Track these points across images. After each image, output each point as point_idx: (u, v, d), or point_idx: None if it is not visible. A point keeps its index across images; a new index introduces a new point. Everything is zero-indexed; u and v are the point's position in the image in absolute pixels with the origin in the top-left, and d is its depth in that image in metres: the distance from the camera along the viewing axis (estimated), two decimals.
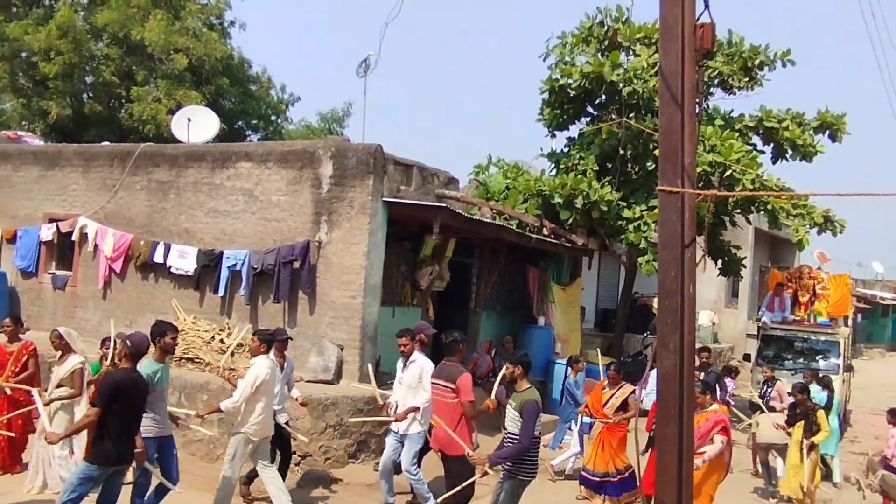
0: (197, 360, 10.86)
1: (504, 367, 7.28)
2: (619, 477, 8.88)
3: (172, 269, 12.04)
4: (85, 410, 7.48)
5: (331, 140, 11.54)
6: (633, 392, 9.12)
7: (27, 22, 20.37)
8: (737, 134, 14.45)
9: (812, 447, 9.51)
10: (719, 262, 16.26)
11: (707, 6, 4.71)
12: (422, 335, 8.65)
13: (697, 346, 13.71)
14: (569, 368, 12.27)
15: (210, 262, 11.70)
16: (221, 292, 11.65)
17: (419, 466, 8.23)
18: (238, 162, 11.75)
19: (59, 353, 8.18)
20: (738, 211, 15.09)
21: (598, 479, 8.96)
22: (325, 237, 10.95)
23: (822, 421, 9.66)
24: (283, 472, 8.32)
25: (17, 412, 8.47)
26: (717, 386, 11.19)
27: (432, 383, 7.85)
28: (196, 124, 13.96)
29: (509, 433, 6.69)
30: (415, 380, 8.10)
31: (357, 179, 10.75)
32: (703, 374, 11.28)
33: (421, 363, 8.17)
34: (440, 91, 70.64)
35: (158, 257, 12.13)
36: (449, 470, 7.76)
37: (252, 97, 23.02)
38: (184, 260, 11.94)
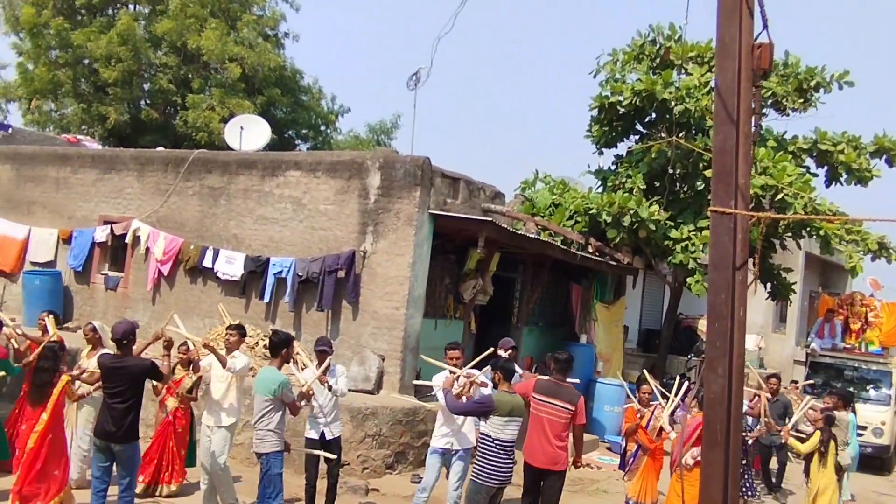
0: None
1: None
2: None
3: (220, 274, 12.23)
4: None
5: (379, 151, 11.66)
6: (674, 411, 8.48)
7: (91, 29, 21.01)
8: (790, 156, 14.17)
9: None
10: (768, 285, 15.95)
11: (766, 26, 4.65)
12: (511, 351, 9.30)
13: (767, 373, 13.38)
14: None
15: (257, 269, 11.86)
16: (267, 298, 11.79)
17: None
18: (288, 170, 11.91)
19: (90, 346, 8.26)
20: (790, 234, 14.78)
21: None
22: (371, 247, 11.02)
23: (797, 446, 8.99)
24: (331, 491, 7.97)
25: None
26: (785, 414, 10.94)
27: (543, 401, 7.35)
28: (248, 132, 14.22)
29: (483, 434, 6.96)
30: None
31: (404, 191, 10.81)
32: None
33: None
34: (488, 105, 70.75)
35: (207, 262, 12.33)
36: (545, 486, 7.40)
37: (303, 107, 23.38)
38: (231, 265, 12.13)
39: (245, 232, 12.26)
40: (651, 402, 8.76)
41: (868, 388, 15.25)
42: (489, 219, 11.00)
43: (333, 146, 24.63)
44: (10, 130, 19.68)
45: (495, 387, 7.24)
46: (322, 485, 7.82)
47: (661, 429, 8.31)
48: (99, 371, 6.82)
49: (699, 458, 6.86)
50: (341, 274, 11.07)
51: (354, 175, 11.23)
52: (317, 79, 25.28)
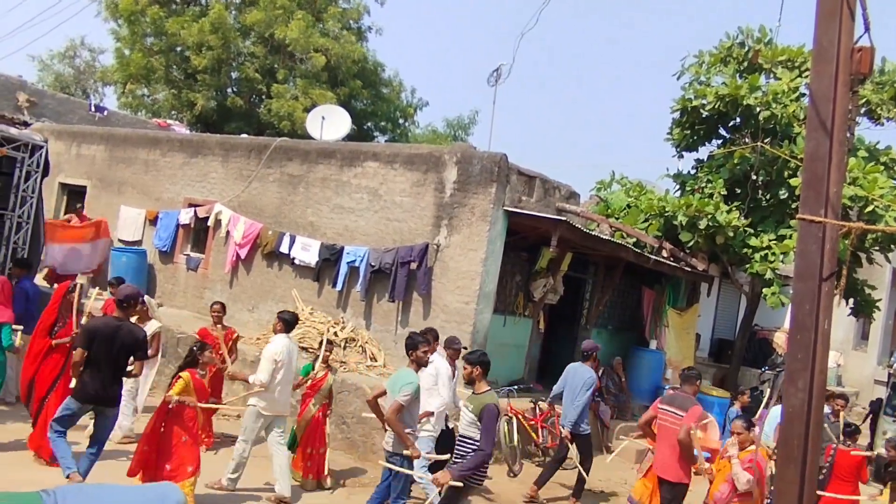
0: (311, 350, 11.22)
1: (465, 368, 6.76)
2: None
3: (295, 260, 12.51)
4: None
5: (457, 146, 11.68)
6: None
7: (184, 18, 21.77)
8: (882, 167, 13.59)
9: None
10: (851, 300, 15.34)
11: (867, 29, 4.48)
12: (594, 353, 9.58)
13: (835, 391, 12.83)
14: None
15: (331, 257, 12.07)
16: (339, 286, 11.99)
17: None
18: (366, 161, 12.07)
19: (137, 318, 8.09)
20: (878, 248, 14.18)
21: None
22: (444, 241, 11.08)
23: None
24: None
25: None
26: (841, 436, 10.48)
27: (661, 409, 7.61)
28: (329, 122, 14.49)
29: (463, 437, 6.38)
30: (430, 382, 7.85)
31: (480, 187, 10.83)
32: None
33: (437, 365, 7.91)
34: (567, 104, 70.14)
35: (284, 248, 12.63)
36: (662, 497, 7.53)
37: (383, 99, 23.69)
38: (306, 252, 12.38)
39: (321, 220, 12.49)
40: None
41: None
42: (563, 218, 10.91)
43: (411, 139, 24.88)
44: (105, 113, 20.62)
45: (470, 384, 6.60)
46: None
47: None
48: (84, 334, 6.73)
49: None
50: (414, 266, 11.15)
51: (431, 168, 11.31)
52: (397, 72, 25.60)
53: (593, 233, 12.17)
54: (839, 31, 4.42)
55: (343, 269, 11.95)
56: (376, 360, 11.14)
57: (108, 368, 6.67)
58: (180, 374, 7.08)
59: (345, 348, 11.32)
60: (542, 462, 10.77)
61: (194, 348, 7.31)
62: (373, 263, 11.60)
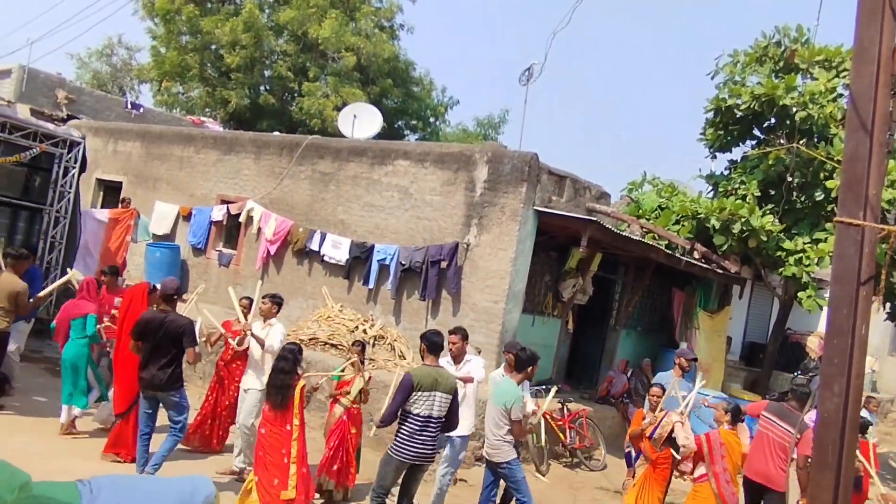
0: (340, 347, 11.30)
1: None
2: None
3: (325, 258, 12.59)
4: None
5: (488, 145, 11.67)
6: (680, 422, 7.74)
7: (218, 17, 22.02)
8: None
9: None
10: (888, 305, 15.05)
11: None
12: (682, 360, 9.01)
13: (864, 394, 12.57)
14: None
15: (361, 255, 12.14)
16: (370, 284, 12.04)
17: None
18: (396, 160, 12.11)
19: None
20: None
21: None
22: (474, 240, 11.08)
23: None
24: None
25: None
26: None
27: (773, 421, 7.85)
28: (360, 121, 14.57)
29: (405, 410, 6.42)
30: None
31: (510, 186, 10.81)
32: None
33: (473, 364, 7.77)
34: (599, 104, 69.67)
35: (314, 245, 12.72)
36: (764, 501, 7.82)
37: (414, 98, 23.74)
38: (337, 250, 12.46)
39: (352, 218, 12.56)
40: (663, 408, 7.94)
41: None
42: (593, 218, 10.84)
43: (441, 138, 24.90)
44: (141, 110, 20.93)
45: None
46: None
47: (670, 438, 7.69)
48: (136, 326, 7.08)
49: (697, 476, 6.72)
50: (444, 265, 11.17)
51: (462, 167, 11.31)
52: (428, 70, 25.76)
53: (624, 233, 12.08)
54: (881, 30, 4.34)
55: (373, 266, 12.00)
56: (405, 358, 11.18)
57: (158, 357, 7.01)
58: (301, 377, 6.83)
59: (374, 346, 11.37)
60: (570, 463, 10.76)
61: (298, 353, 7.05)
62: (403, 262, 11.64)
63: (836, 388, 4.36)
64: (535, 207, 10.86)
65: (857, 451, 7.17)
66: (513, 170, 10.83)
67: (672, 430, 7.58)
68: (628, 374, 13.01)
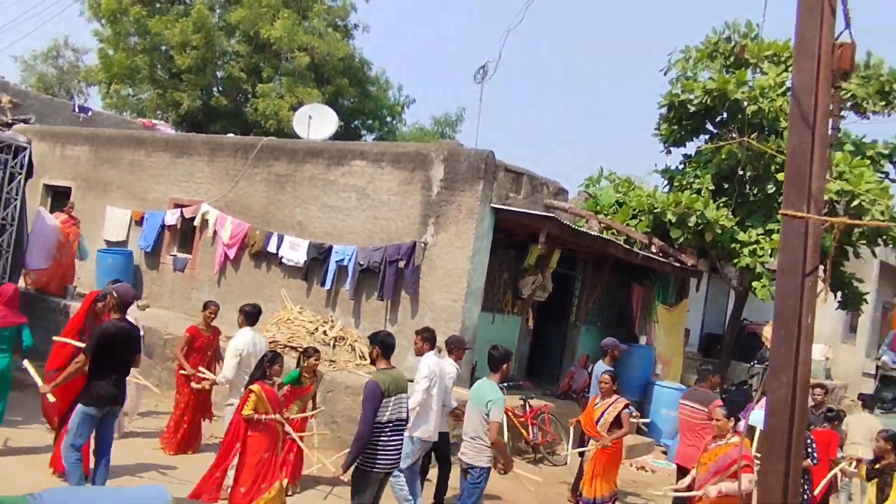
0: (300, 350, 11.18)
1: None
2: None
3: (284, 260, 12.46)
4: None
5: (444, 144, 11.68)
6: (627, 406, 8.10)
7: (167, 17, 21.64)
8: (868, 161, 13.63)
9: None
10: (839, 294, 15.40)
11: (848, 25, 4.48)
12: (615, 351, 9.67)
13: (812, 381, 12.88)
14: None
15: (319, 256, 12.04)
16: (328, 285, 11.96)
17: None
18: (353, 160, 12.04)
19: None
20: (864, 242, 14.23)
21: None
22: (432, 239, 11.06)
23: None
24: (443, 480, 8.05)
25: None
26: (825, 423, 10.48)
27: (684, 404, 8.44)
28: (316, 121, 14.44)
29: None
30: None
31: (467, 184, 10.81)
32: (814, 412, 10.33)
33: (422, 362, 7.60)
34: (555, 101, 70.21)
35: (272, 247, 12.58)
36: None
37: (370, 98, 23.62)
38: (295, 251, 12.35)
39: (309, 219, 12.46)
40: (614, 396, 8.19)
41: None
42: (551, 215, 10.91)
43: (398, 137, 24.82)
44: (90, 113, 20.47)
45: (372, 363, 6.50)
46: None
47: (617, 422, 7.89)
48: (97, 340, 6.73)
49: (725, 493, 6.41)
50: (402, 264, 11.14)
51: (418, 167, 11.29)
52: (384, 69, 25.51)
53: (582, 229, 12.17)
54: (820, 26, 4.43)
55: (332, 268, 11.92)
56: (365, 359, 11.12)
57: (120, 369, 6.89)
58: (251, 388, 6.96)
59: (334, 347, 11.30)
60: (533, 459, 10.81)
61: (265, 360, 7.16)
62: (361, 262, 11.58)
63: (784, 377, 4.44)
64: (493, 205, 10.87)
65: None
66: (469, 168, 10.83)
67: (618, 416, 7.89)
68: (589, 370, 13.10)
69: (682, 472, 8.30)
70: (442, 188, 11.03)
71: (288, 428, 7.26)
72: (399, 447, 6.25)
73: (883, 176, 14.03)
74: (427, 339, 7.66)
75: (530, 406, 10.98)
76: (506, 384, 10.94)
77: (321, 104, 16.83)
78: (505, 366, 7.02)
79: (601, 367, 9.55)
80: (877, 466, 7.73)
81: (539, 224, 10.54)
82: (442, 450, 7.98)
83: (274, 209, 12.92)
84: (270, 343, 11.33)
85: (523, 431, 10.67)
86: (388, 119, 24.56)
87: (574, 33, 77.82)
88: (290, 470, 7.69)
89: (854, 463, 8.33)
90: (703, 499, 6.43)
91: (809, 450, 8.86)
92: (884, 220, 12.42)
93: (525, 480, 8.32)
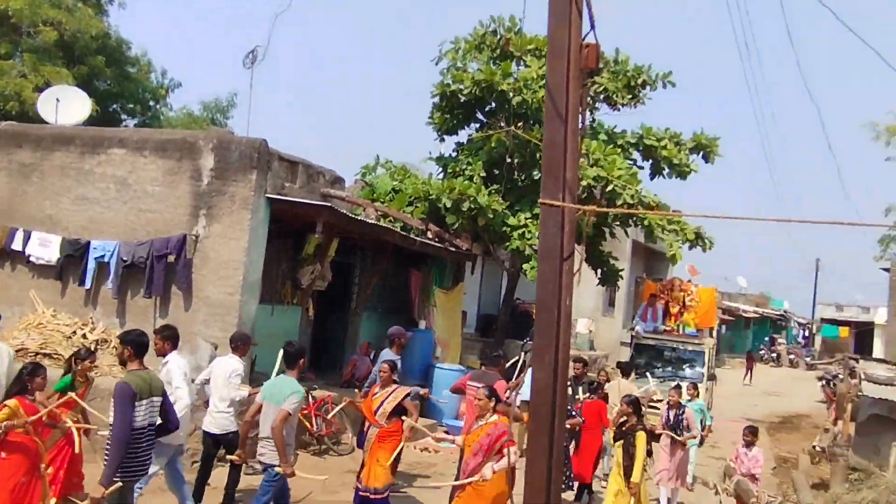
0: (55, 357, 10.17)
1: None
2: (377, 497, 7.74)
3: (32, 258, 11.28)
4: None
5: (213, 131, 11.15)
6: (408, 394, 8.11)
7: None
8: (619, 150, 14.93)
9: (636, 478, 8.10)
10: (598, 271, 16.77)
11: (593, 27, 4.80)
12: (401, 339, 9.62)
13: (573, 354, 13.95)
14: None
15: (75, 253, 11.04)
16: (87, 284, 11.02)
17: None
18: (111, 148, 11.13)
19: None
20: (618, 224, 15.62)
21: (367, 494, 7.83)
22: (203, 231, 10.55)
23: (640, 444, 8.17)
24: (233, 477, 7.87)
25: None
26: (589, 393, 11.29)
27: (470, 385, 8.57)
28: (65, 105, 13.08)
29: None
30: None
31: (239, 174, 10.42)
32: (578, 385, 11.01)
33: (171, 364, 7.28)
34: (330, 89, 69.88)
35: (17, 244, 11.36)
36: None
37: (130, 80, 21.84)
38: (45, 249, 11.21)
39: (61, 212, 11.34)
40: (393, 385, 8.16)
41: (685, 366, 16.45)
42: (328, 204, 10.83)
43: (164, 123, 23.23)
44: None
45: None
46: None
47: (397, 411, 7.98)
48: None
49: (498, 470, 6.52)
50: (171, 258, 10.52)
51: (186, 155, 10.68)
52: (145, 50, 23.53)
53: (359, 217, 12.18)
54: (569, 28, 4.69)
55: (91, 265, 10.99)
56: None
57: None
58: (5, 402, 6.19)
59: (96, 350, 10.38)
60: (318, 450, 10.70)
61: (24, 372, 6.39)
62: (125, 258, 10.76)
63: (546, 359, 4.69)
64: (268, 195, 10.58)
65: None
66: (241, 157, 10.43)
67: (400, 405, 7.87)
68: (371, 356, 13.21)
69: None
70: (213, 178, 10.52)
71: (43, 449, 6.54)
72: (150, 454, 5.86)
73: (632, 163, 15.47)
74: (168, 337, 7.19)
75: (313, 397, 10.85)
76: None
77: (71, 86, 15.29)
78: (301, 361, 7.06)
79: (387, 354, 9.61)
80: (623, 429, 8.38)
81: (316, 213, 10.42)
82: (231, 447, 7.78)
83: (18, 202, 11.61)
84: (19, 352, 10.18)
85: (307, 423, 10.52)
86: (152, 103, 22.88)
87: (351, 20, 77.88)
88: (60, 489, 7.03)
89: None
90: (480, 482, 6.59)
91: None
92: (633, 204, 13.68)
93: (312, 481, 8.19)
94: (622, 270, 17.47)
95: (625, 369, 12.87)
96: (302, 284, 11.95)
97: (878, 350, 35.74)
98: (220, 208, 10.47)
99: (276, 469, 6.73)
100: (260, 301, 10.83)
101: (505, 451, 6.57)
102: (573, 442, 10.12)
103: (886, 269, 23.95)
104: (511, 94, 14.38)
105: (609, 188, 13.89)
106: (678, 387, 10.63)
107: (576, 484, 10.24)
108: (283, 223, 11.23)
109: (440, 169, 15.92)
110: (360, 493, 7.89)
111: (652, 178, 15.96)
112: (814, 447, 14.42)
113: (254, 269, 10.51)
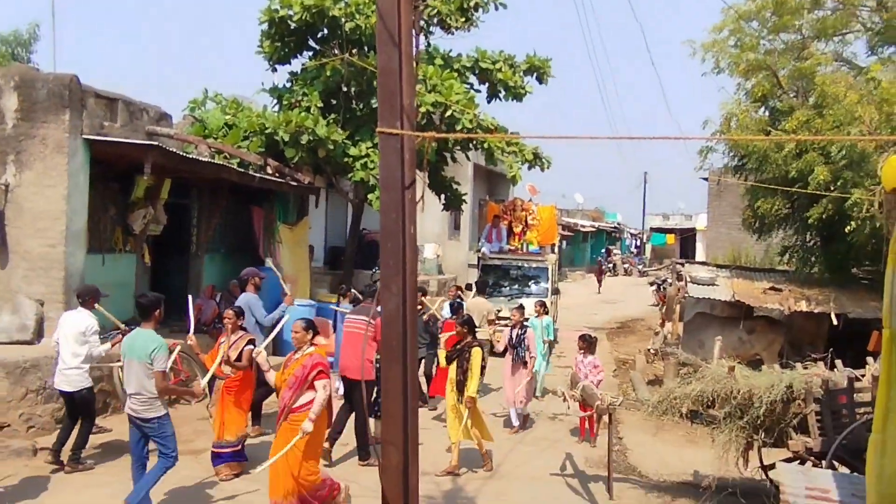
0: None
1: None
2: (230, 449, 7.76)
3: None
4: None
5: (14, 68, 10.09)
6: (252, 342, 7.91)
7: None
8: (456, 74, 14.93)
9: (472, 392, 8.28)
10: (442, 197, 16.95)
11: None
12: (255, 279, 9.88)
13: (445, 278, 14.22)
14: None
15: None
16: None
17: None
18: None
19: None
20: (458, 149, 15.76)
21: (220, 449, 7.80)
22: (14, 180, 9.66)
23: (475, 360, 8.33)
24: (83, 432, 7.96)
25: None
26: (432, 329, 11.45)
27: (350, 318, 8.86)
28: None
29: None
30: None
31: (50, 114, 9.56)
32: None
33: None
34: (148, 16, 64.93)
35: None
36: (351, 397, 8.53)
37: None
38: None
39: None
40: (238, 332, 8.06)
41: (530, 283, 17.18)
42: (155, 143, 10.19)
43: None
44: None
45: None
46: None
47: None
48: None
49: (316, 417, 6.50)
50: None
51: None
52: None
53: (191, 156, 11.55)
54: None
55: None
56: None
57: None
58: None
59: None
60: (169, 401, 10.26)
61: None
62: None
63: (394, 287, 4.68)
64: (85, 136, 9.83)
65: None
66: (50, 95, 9.53)
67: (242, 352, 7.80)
68: (217, 299, 12.79)
69: (345, 381, 8.68)
70: (18, 120, 9.60)
71: None
72: None
73: (469, 87, 15.55)
74: None
75: None
76: (126, 328, 10.23)
77: None
78: (157, 312, 6.81)
79: (246, 297, 9.65)
80: (457, 347, 8.65)
81: (142, 153, 9.79)
82: (85, 404, 7.96)
83: None
84: None
85: None
86: None
87: None
88: None
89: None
90: (295, 420, 6.53)
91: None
92: (472, 128, 13.83)
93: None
94: (465, 194, 17.76)
95: (480, 288, 13.37)
96: (134, 230, 11.28)
97: (700, 254, 38.89)
98: (31, 153, 9.60)
99: (154, 416, 6.63)
100: (88, 251, 10.16)
101: (316, 383, 6.58)
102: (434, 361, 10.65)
103: (705, 179, 25.82)
104: (343, 20, 13.93)
105: (448, 113, 13.94)
106: (521, 307, 11.09)
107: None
108: (106, 165, 10.49)
109: (275, 101, 15.28)
110: (213, 448, 7.83)
111: (489, 101, 16.18)
112: (648, 350, 15.62)
113: (77, 218, 9.78)
